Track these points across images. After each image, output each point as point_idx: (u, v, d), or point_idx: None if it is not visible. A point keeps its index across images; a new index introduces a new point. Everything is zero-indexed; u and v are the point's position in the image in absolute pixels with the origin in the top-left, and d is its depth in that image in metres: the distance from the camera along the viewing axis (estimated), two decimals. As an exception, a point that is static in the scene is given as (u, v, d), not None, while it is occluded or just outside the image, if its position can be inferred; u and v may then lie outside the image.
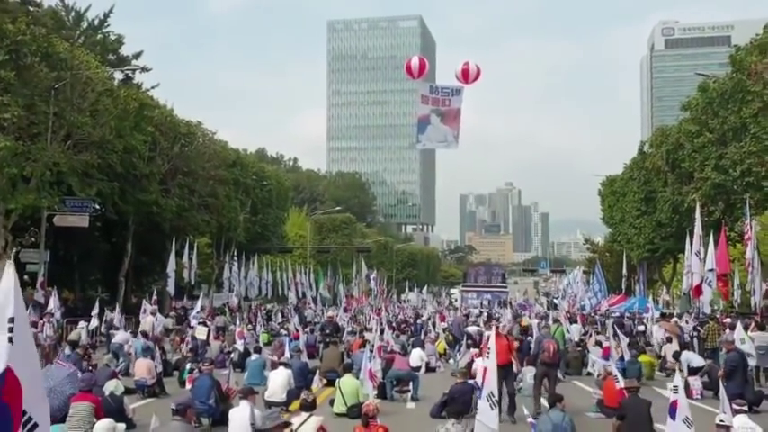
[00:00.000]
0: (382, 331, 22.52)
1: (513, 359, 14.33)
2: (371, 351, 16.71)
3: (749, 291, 28.88)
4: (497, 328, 15.43)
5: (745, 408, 10.97)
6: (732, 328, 21.19)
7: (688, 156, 34.08)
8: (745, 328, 22.47)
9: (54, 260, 31.21)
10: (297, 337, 23.89)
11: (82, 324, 22.49)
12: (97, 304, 26.18)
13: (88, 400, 10.64)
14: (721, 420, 9.35)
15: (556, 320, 23.16)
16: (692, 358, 17.74)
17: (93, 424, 10.03)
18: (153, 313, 26.23)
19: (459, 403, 12.13)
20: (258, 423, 7.65)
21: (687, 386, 16.88)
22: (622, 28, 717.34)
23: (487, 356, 10.09)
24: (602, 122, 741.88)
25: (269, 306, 47.33)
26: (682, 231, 35.27)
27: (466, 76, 12.23)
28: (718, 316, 26.44)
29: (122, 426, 8.21)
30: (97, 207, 32.72)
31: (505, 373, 13.51)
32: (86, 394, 10.82)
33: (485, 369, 9.89)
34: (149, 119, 34.60)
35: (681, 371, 17.94)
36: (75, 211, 29.27)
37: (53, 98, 26.00)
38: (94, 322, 25.30)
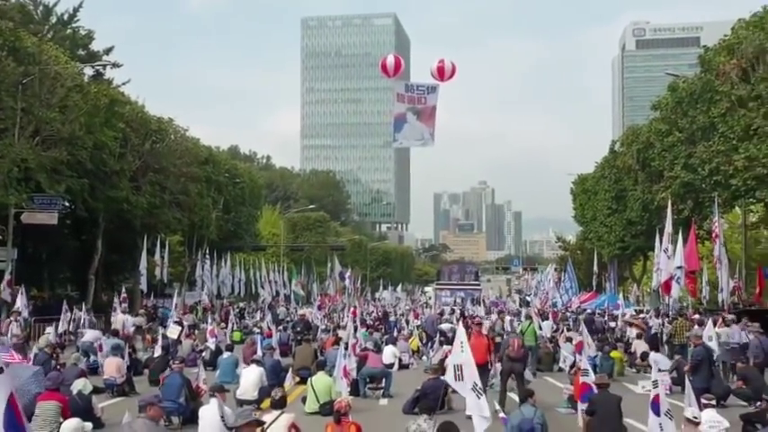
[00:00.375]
0: (356, 329, 22.57)
1: (489, 359, 14.16)
2: (346, 349, 16.70)
3: (717, 288, 29.38)
4: (478, 326, 15.03)
5: (713, 402, 11.13)
6: (701, 324, 21.52)
7: (658, 155, 34.51)
8: (714, 324, 22.90)
9: (22, 258, 30.72)
10: (270, 336, 23.80)
11: (49, 330, 22.07)
12: (65, 305, 25.72)
13: (55, 399, 10.47)
14: (694, 416, 9.45)
15: (528, 317, 23.29)
16: (660, 360, 17.94)
17: (60, 423, 9.87)
18: (124, 311, 25.96)
19: (431, 399, 12.16)
20: (229, 421, 7.56)
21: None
22: (595, 28, 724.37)
23: (461, 351, 10.04)
24: (574, 121, 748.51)
25: (241, 304, 47.05)
26: (652, 229, 35.73)
27: (441, 73, 12.26)
28: (686, 313, 26.79)
29: (89, 425, 8.07)
30: (66, 204, 32.29)
31: (480, 372, 13.31)
32: (53, 393, 10.64)
33: (461, 366, 9.90)
34: (120, 115, 34.18)
35: (651, 367, 18.22)
36: (43, 208, 28.82)
37: (21, 93, 25.60)
38: (63, 325, 24.90)
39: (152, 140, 37.31)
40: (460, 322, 17.19)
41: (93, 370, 17.57)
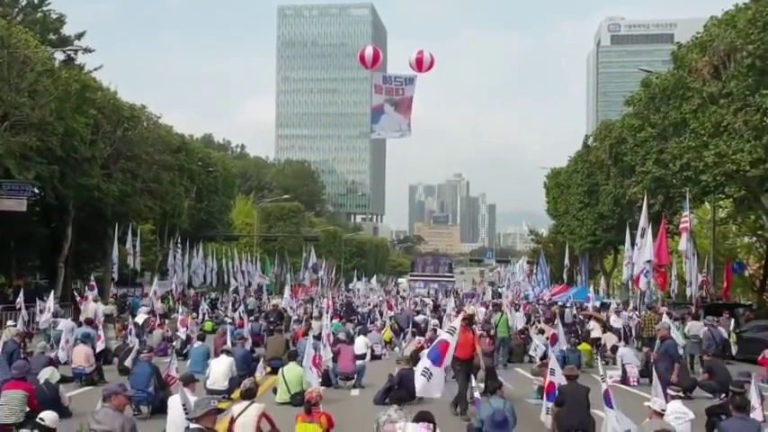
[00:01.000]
0: (331, 319, 22.57)
1: (476, 355, 13.30)
2: (318, 339, 16.71)
3: (686, 282, 29.86)
4: (467, 320, 13.65)
5: (680, 394, 11.32)
6: (669, 317, 21.93)
7: (630, 150, 34.87)
8: (682, 318, 23.29)
9: (-10, 245, 30.20)
10: (241, 326, 23.69)
11: (10, 323, 21.64)
12: (22, 293, 25.15)
13: (21, 387, 10.32)
14: (662, 409, 9.59)
15: (499, 309, 23.46)
16: (626, 354, 18.23)
17: (26, 412, 9.74)
18: (95, 300, 25.63)
19: (405, 389, 12.34)
20: (191, 411, 7.44)
21: (625, 374, 17.39)
22: (571, 23, 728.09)
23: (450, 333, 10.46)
24: (549, 116, 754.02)
25: (213, 294, 46.75)
26: (623, 223, 36.18)
27: (420, 64, 12.29)
28: (655, 306, 27.18)
29: (55, 415, 7.92)
30: (36, 191, 31.78)
31: (467, 367, 13.01)
32: (19, 382, 10.48)
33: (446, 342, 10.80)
34: (91, 101, 33.67)
35: (614, 361, 18.51)
36: (12, 194, 28.34)
37: (-11, 77, 25.05)
38: (23, 315, 24.34)
39: (124, 127, 36.79)
40: (434, 312, 17.08)
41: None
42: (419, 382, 11.96)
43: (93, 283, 29.87)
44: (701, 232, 43.70)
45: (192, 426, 6.82)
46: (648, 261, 23.42)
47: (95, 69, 41.88)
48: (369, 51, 12.81)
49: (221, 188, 56.81)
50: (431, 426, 7.77)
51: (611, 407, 9.08)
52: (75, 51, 40.42)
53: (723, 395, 12.50)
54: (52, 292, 25.21)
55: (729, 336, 21.33)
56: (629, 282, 37.55)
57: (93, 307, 24.49)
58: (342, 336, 20.24)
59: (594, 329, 23.73)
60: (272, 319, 25.42)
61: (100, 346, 17.84)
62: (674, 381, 13.36)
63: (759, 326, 23.23)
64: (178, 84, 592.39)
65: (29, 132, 27.15)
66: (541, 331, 22.95)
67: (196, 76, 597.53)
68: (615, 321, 25.65)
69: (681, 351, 17.54)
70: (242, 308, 31.74)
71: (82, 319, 21.26)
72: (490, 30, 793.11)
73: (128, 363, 15.55)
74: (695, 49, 27.46)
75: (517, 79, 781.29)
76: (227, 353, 15.16)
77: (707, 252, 37.52)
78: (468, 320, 13.81)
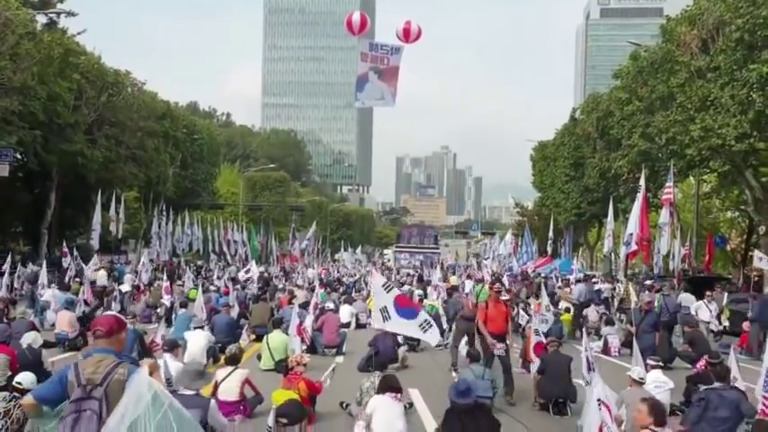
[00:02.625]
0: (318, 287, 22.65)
1: (508, 330, 12.33)
2: (303, 308, 16.75)
3: (669, 255, 30.08)
4: (497, 292, 12.52)
5: (660, 364, 11.46)
6: (650, 289, 22.18)
7: (617, 123, 34.90)
8: (661, 290, 23.48)
9: (-30, 210, 29.89)
10: (227, 293, 23.66)
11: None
12: (9, 258, 24.98)
13: (3, 351, 10.25)
14: (640, 377, 9.70)
15: (480, 281, 23.59)
16: (609, 330, 18.46)
17: (8, 376, 9.69)
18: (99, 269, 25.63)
19: (384, 355, 12.41)
20: (175, 382, 7.28)
21: (606, 344, 17.59)
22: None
23: (386, 293, 10.29)
24: (537, 88, 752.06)
25: (199, 263, 46.67)
26: (608, 197, 36.32)
27: (407, 35, 12.10)
28: (639, 278, 27.43)
29: (32, 376, 7.82)
30: (18, 156, 31.40)
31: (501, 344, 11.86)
32: (1, 346, 10.43)
33: (385, 307, 10.15)
34: (75, 66, 33.21)
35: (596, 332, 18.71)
36: (-7, 159, 28.03)
37: (-32, 38, 24.59)
38: (5, 280, 24.18)
39: (108, 93, 36.38)
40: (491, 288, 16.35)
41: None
42: (376, 318, 11.55)
43: (66, 249, 29.42)
44: (685, 206, 44.04)
45: (185, 391, 6.78)
46: (631, 234, 23.50)
47: (79, 34, 41.12)
48: (356, 17, 12.63)
49: (206, 156, 56.43)
50: (397, 395, 7.79)
51: (593, 370, 8.95)
52: (58, 15, 39.66)
53: (700, 362, 12.67)
54: (44, 264, 24.78)
55: (722, 311, 21.59)
56: (611, 254, 37.88)
57: (102, 274, 24.58)
58: (330, 305, 20.32)
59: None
60: (259, 285, 25.41)
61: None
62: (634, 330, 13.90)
63: (738, 299, 23.52)
64: (164, 50, 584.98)
65: (10, 96, 26.79)
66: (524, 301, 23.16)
67: (181, 42, 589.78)
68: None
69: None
70: (226, 276, 31.74)
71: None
72: (479, 2, 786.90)
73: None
74: (684, 23, 27.39)
75: (506, 52, 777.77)
76: (201, 328, 14.85)
77: (690, 226, 37.84)
78: (498, 291, 12.63)
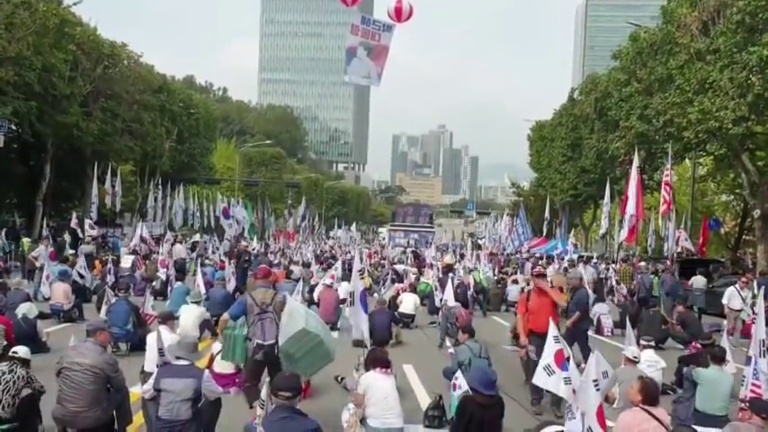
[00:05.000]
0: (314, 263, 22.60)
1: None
2: (297, 281, 16.80)
3: (663, 237, 30.20)
4: (541, 278, 10.20)
5: (652, 344, 11.57)
6: (655, 272, 22.35)
7: (615, 104, 34.83)
8: (656, 272, 23.64)
9: (-35, 181, 29.78)
10: (222, 268, 23.69)
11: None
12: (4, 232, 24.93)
13: (-2, 321, 10.29)
14: (634, 356, 9.79)
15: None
16: (602, 311, 18.55)
17: (3, 346, 9.72)
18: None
19: (380, 331, 12.45)
20: (169, 353, 7.27)
21: (599, 324, 17.71)
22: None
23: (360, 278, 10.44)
24: (535, 68, 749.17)
25: (197, 237, 46.61)
26: (604, 178, 36.35)
27: (399, 14, 11.93)
28: (632, 260, 27.53)
29: (25, 348, 7.81)
30: (13, 128, 31.23)
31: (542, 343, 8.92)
32: (-3, 315, 10.46)
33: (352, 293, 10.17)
34: (71, 36, 32.89)
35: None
36: (-12, 130, 27.84)
37: (-38, 7, 24.32)
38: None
39: (104, 65, 36.09)
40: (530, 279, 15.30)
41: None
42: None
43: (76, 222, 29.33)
44: (680, 189, 44.12)
45: (178, 362, 6.80)
46: (632, 215, 23.50)
47: (74, 4, 40.67)
48: (349, -13, 12.41)
49: (203, 131, 56.19)
50: (387, 370, 7.65)
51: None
52: (54, -16, 39.19)
53: (693, 343, 12.77)
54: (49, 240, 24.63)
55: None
56: (607, 236, 37.98)
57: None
58: (328, 281, 20.36)
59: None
60: (245, 258, 25.44)
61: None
62: (568, 325, 11.75)
63: (731, 282, 23.64)
64: (160, 23, 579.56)
65: (5, 66, 26.59)
66: (515, 281, 23.29)
67: (178, 16, 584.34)
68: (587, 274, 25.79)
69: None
70: (221, 250, 31.78)
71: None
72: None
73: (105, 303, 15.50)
74: (685, 4, 27.20)
75: (504, 31, 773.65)
76: (197, 303, 14.80)
77: (685, 208, 37.93)
78: (541, 275, 10.36)
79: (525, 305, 9.91)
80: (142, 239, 30.62)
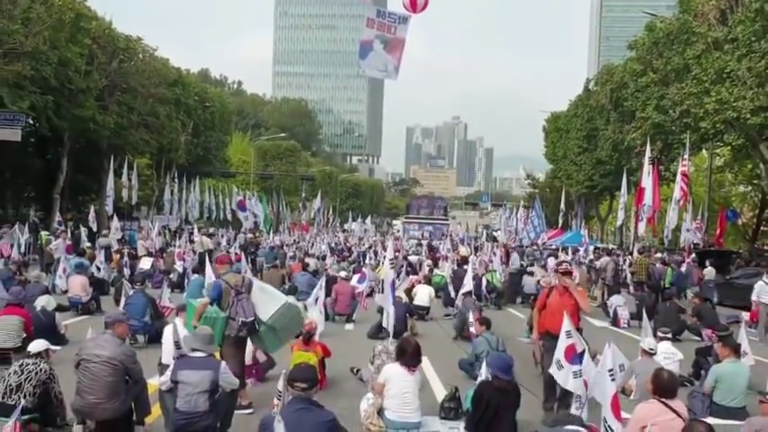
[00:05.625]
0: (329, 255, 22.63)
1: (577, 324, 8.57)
2: (313, 275, 16.85)
3: (679, 228, 29.98)
4: (566, 275, 8.97)
5: (669, 335, 11.50)
6: (663, 263, 22.17)
7: (631, 95, 34.58)
8: (671, 264, 23.49)
9: (-15, 176, 30.09)
10: (239, 260, 23.81)
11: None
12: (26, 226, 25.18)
13: (17, 313, 10.38)
14: (650, 348, 9.75)
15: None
16: (618, 298, 18.50)
17: (23, 338, 9.82)
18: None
19: (396, 323, 12.50)
20: (185, 343, 7.33)
21: (615, 315, 17.63)
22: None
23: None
24: (551, 59, 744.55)
25: (212, 230, 46.87)
26: (620, 169, 36.12)
27: (414, 4, 11.88)
28: (650, 251, 27.35)
29: (38, 343, 7.87)
30: (31, 122, 31.47)
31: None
32: (15, 308, 10.53)
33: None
34: (86, 31, 33.08)
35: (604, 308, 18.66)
36: (6, 124, 28.06)
37: (-21, 3, 24.53)
38: (22, 241, 24.35)
39: (119, 59, 36.30)
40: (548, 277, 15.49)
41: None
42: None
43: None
44: (697, 180, 43.75)
45: (195, 353, 6.84)
46: (649, 206, 23.39)
47: (90, -2, 41.01)
48: (363, -20, 12.39)
49: (218, 124, 56.38)
50: (412, 369, 7.51)
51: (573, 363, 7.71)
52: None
53: (708, 331, 12.72)
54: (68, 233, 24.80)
55: None
56: (623, 227, 37.80)
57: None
58: (343, 274, 20.43)
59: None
60: (252, 250, 25.61)
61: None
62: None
63: (748, 273, 23.46)
64: (175, 16, 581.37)
65: (22, 61, 26.77)
66: (531, 274, 23.17)
67: (193, 9, 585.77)
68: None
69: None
70: (237, 243, 31.92)
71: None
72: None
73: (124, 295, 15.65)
74: (702, -7, 26.96)
75: (519, 21, 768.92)
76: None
77: (702, 200, 37.63)
78: (567, 273, 9.08)
79: (544, 302, 9.00)
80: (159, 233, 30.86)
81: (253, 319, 8.77)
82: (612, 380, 5.95)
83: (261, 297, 8.94)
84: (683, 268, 22.72)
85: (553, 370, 7.66)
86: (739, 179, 42.07)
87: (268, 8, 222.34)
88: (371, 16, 11.90)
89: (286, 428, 4.90)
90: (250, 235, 33.48)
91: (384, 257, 30.57)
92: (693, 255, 24.14)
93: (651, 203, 22.88)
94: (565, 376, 7.50)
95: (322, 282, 15.22)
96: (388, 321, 10.00)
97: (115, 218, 29.19)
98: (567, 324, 7.65)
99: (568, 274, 9.07)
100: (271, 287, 9.85)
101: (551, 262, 23.86)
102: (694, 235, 27.87)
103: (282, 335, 9.13)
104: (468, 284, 15.39)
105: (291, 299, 9.65)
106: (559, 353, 7.55)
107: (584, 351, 7.44)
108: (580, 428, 5.26)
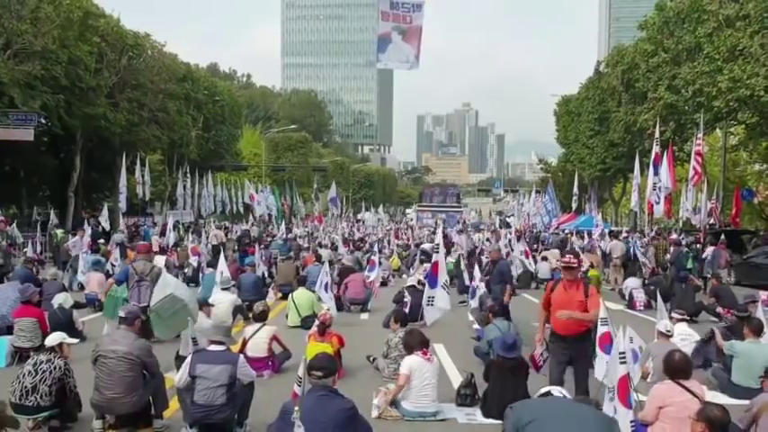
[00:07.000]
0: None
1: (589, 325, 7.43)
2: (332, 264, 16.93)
3: (695, 208, 29.74)
4: (570, 270, 7.52)
5: (686, 317, 11.44)
6: (677, 244, 21.98)
7: (642, 75, 34.26)
8: (688, 245, 23.32)
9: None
10: (252, 253, 23.90)
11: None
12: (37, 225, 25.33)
13: (31, 314, 10.38)
14: (667, 329, 9.71)
15: (499, 237, 23.48)
16: (633, 281, 18.40)
17: (41, 336, 9.90)
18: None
19: (415, 307, 12.79)
20: (201, 340, 7.36)
21: (631, 298, 17.55)
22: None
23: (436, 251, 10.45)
24: (560, 42, 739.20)
25: (227, 224, 47.05)
26: (633, 151, 35.85)
27: (426, -10, 11.79)
28: (665, 233, 27.18)
29: (54, 335, 7.90)
30: (43, 121, 31.67)
31: (577, 353, 7.42)
32: (27, 308, 10.52)
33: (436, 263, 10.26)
34: (95, 29, 33.21)
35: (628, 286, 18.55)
36: (19, 124, 28.26)
37: (-11, 4, 24.66)
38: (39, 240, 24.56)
39: (129, 56, 36.43)
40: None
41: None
42: (427, 312, 12.49)
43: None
44: (712, 159, 43.36)
45: (213, 347, 6.88)
46: (667, 188, 23.14)
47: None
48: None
49: (228, 118, 56.48)
50: (426, 352, 7.92)
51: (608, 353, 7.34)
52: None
53: (728, 315, 12.61)
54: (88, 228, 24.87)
55: None
56: (638, 210, 37.53)
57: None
58: (352, 264, 20.48)
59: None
60: (247, 241, 25.68)
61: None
62: (506, 301, 12.80)
63: (766, 251, 23.26)
64: (182, 11, 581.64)
65: (32, 61, 26.92)
66: (544, 258, 23.08)
67: (199, 3, 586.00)
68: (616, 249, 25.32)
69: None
70: (251, 236, 32.04)
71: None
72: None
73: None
74: (713, -30, 26.61)
75: (527, 5, 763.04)
76: (229, 289, 14.89)
77: (716, 179, 37.30)
78: (571, 267, 7.54)
79: (548, 297, 7.69)
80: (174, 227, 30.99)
81: (145, 305, 9.70)
82: (623, 362, 5.94)
83: (159, 287, 9.74)
84: (709, 251, 21.97)
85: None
86: (754, 158, 41.62)
87: (275, 0, 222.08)
88: (385, 9, 11.87)
89: (307, 414, 4.98)
90: (245, 227, 33.59)
91: (395, 246, 30.77)
92: (722, 237, 23.75)
93: (669, 185, 22.68)
94: (599, 367, 7.32)
95: (326, 267, 15.30)
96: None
97: (121, 216, 29.34)
98: (603, 311, 7.07)
99: (570, 269, 7.60)
100: (174, 279, 10.73)
101: (551, 254, 23.20)
102: (708, 215, 27.61)
103: (171, 323, 9.66)
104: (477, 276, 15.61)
105: (183, 292, 9.95)
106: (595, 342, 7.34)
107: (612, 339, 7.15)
108: (566, 393, 5.11)
